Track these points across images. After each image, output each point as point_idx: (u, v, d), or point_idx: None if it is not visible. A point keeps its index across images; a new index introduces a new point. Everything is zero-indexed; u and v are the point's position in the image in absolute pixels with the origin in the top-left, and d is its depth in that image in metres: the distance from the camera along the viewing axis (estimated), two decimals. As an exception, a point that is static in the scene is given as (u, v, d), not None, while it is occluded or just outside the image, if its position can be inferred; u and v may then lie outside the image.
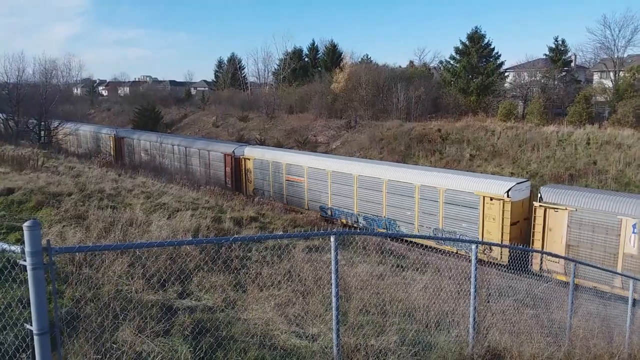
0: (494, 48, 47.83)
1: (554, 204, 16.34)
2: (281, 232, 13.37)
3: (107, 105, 78.75)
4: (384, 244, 13.08)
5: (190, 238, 8.84)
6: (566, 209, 15.95)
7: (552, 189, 16.97)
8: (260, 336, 5.19)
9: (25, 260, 2.79)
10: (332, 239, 4.37)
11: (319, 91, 50.85)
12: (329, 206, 23.28)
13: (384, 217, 20.95)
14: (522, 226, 17.89)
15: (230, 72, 71.82)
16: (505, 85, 47.20)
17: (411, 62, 63.28)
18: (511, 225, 17.42)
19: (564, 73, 44.59)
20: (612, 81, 42.50)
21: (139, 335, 4.74)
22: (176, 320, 5.27)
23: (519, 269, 14.46)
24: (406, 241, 16.28)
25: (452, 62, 49.64)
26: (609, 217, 15.05)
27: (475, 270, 5.48)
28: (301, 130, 46.08)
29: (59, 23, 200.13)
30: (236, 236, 8.15)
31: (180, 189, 18.09)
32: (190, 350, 4.60)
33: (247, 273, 7.29)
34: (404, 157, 35.81)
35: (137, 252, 6.87)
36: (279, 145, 41.46)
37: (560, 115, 38.91)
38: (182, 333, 4.99)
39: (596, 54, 48.14)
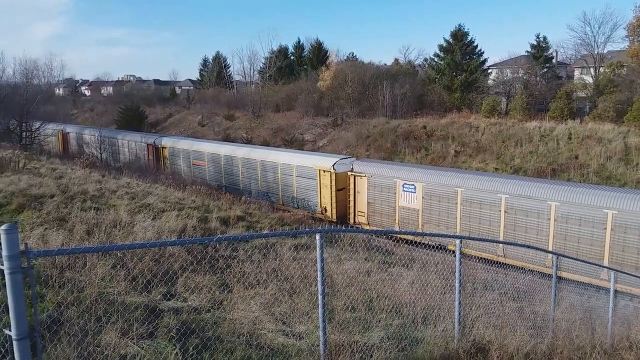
0: (477, 45, 48.36)
1: (359, 173, 21.74)
2: (267, 231, 13.34)
3: (90, 105, 77.69)
4: (371, 241, 13.13)
5: (175, 239, 8.77)
6: (366, 176, 21.44)
7: (359, 162, 22.73)
8: (247, 336, 5.17)
9: (2, 265, 2.74)
10: (317, 237, 4.37)
11: (305, 89, 50.82)
12: (224, 183, 27.93)
13: (260, 190, 26.01)
14: (347, 194, 22.84)
15: (216, 70, 71.33)
16: (489, 82, 47.72)
17: (396, 59, 63.55)
18: (337, 190, 22.50)
19: (545, 69, 45.20)
20: (592, 77, 43.21)
21: (123, 337, 4.69)
22: (161, 322, 5.22)
23: (342, 222, 21.73)
24: (391, 237, 16.38)
25: (436, 59, 50.02)
26: (389, 180, 20.58)
27: (460, 264, 5.52)
28: (288, 129, 46.01)
29: (39, 22, 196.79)
30: (220, 236, 8.11)
31: (165, 189, 17.93)
32: (176, 352, 4.56)
33: (233, 272, 7.26)
34: (390, 154, 35.99)
35: (119, 254, 6.80)
36: (265, 143, 41.42)
37: (543, 111, 39.46)
38: (167, 335, 4.94)
39: (577, 51, 49.06)
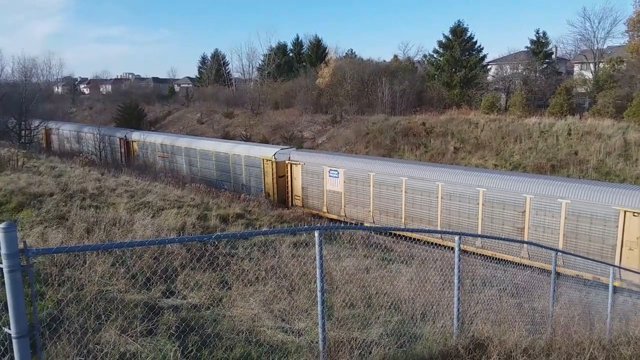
0: (476, 41, 48.24)
1: (295, 161, 24.07)
2: (267, 229, 13.36)
3: (89, 103, 77.58)
4: (370, 238, 13.15)
5: (174, 236, 8.78)
6: (300, 164, 23.86)
7: (295, 152, 25.21)
8: (246, 333, 5.19)
9: (2, 263, 2.75)
10: (316, 234, 4.38)
11: (304, 86, 50.73)
12: (185, 173, 30.12)
13: (215, 179, 28.27)
14: (285, 181, 24.91)
15: (214, 68, 71.20)
16: (488, 78, 47.64)
17: (395, 56, 63.35)
18: (278, 177, 24.87)
19: (545, 65, 45.15)
20: (592, 72, 43.16)
21: (123, 335, 4.70)
22: (161, 320, 5.24)
23: (283, 205, 23.87)
24: (390, 233, 16.40)
25: (435, 55, 49.93)
26: (319, 167, 23.05)
27: (459, 261, 5.53)
28: (287, 126, 45.97)
29: (38, 20, 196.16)
30: (219, 233, 8.12)
31: (164, 187, 17.94)
32: (175, 349, 4.58)
33: (232, 270, 7.27)
34: (390, 151, 35.97)
35: (118, 252, 6.81)
36: (264, 141, 41.43)
37: (542, 106, 39.41)
38: (167, 332, 4.96)
39: (576, 46, 49.01)
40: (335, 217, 22.58)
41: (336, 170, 22.26)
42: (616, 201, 14.63)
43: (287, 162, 24.42)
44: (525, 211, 16.61)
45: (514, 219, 16.90)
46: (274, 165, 24.86)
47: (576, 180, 21.22)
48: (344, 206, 22.13)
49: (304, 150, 29.01)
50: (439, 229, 18.75)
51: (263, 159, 25.45)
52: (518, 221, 16.82)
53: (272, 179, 25.05)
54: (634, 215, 14.28)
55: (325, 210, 22.91)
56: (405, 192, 19.79)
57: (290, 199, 24.59)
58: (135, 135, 35.28)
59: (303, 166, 23.72)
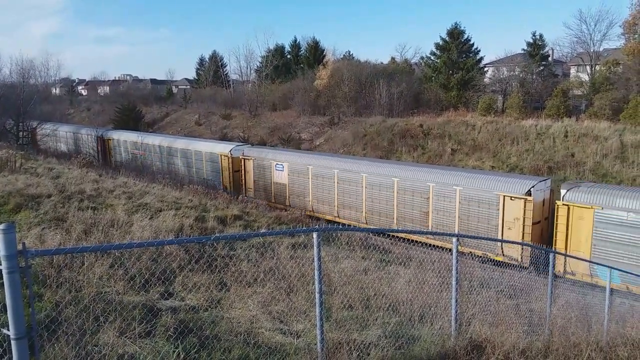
0: (473, 44, 48.39)
1: (248, 156, 26.06)
2: (265, 230, 13.35)
3: (86, 104, 77.43)
4: (368, 239, 13.16)
5: (172, 238, 8.77)
6: (252, 159, 25.76)
7: (248, 148, 27.17)
8: (244, 334, 5.19)
9: (0, 265, 2.75)
10: (314, 235, 4.38)
11: (302, 88, 50.76)
12: (153, 169, 31.91)
13: (181, 173, 29.99)
14: (240, 174, 26.84)
15: (212, 69, 71.24)
16: (485, 80, 47.76)
17: (393, 58, 63.47)
18: (234, 172, 26.88)
19: (541, 67, 45.28)
20: (588, 75, 43.31)
21: (121, 337, 4.70)
22: (159, 321, 5.23)
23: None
24: (389, 235, 16.43)
25: (432, 57, 50.03)
26: (267, 162, 24.96)
27: (457, 262, 5.55)
28: (285, 128, 45.98)
29: (35, 21, 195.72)
30: (218, 235, 8.12)
31: (162, 189, 17.91)
32: (173, 351, 4.57)
33: (230, 271, 7.27)
34: (387, 153, 36.01)
35: (116, 253, 6.80)
36: (262, 142, 41.45)
37: (539, 109, 39.53)
38: (165, 334, 4.95)
39: (573, 48, 49.14)
40: (281, 206, 24.44)
41: (282, 165, 24.32)
42: (497, 188, 17.15)
43: (241, 157, 26.49)
44: (429, 197, 18.93)
45: (421, 204, 19.23)
46: (230, 160, 26.97)
47: (468, 170, 24.45)
48: (289, 197, 24.22)
49: (256, 146, 30.83)
50: (363, 214, 20.93)
51: (221, 155, 27.57)
52: (424, 206, 19.15)
53: (229, 173, 27.26)
54: (510, 200, 16.69)
55: (273, 201, 24.95)
56: (338, 182, 21.91)
57: (244, 191, 26.44)
58: (111, 135, 37.99)
59: (254, 161, 25.77)
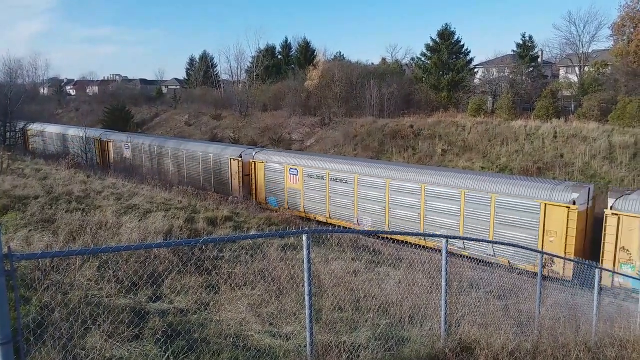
0: (463, 45, 48.61)
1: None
2: (255, 232, 13.31)
3: (75, 105, 76.66)
4: (359, 241, 13.18)
5: (161, 240, 8.71)
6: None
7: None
8: (234, 337, 5.16)
9: (-15, 269, 2.70)
10: (304, 237, 4.38)
11: (293, 89, 50.69)
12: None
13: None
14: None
15: (203, 70, 70.87)
16: (475, 81, 48.03)
17: (384, 59, 63.69)
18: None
19: (531, 69, 45.62)
20: (577, 76, 43.77)
21: (109, 340, 4.65)
22: (147, 324, 5.19)
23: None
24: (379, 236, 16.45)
25: (423, 58, 50.22)
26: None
27: (446, 264, 5.56)
28: (275, 128, 45.88)
29: (23, 20, 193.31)
30: (207, 238, 8.06)
31: (152, 190, 17.79)
32: (162, 355, 4.54)
33: (220, 274, 7.23)
34: (378, 154, 36.09)
35: (104, 256, 6.73)
36: (253, 143, 41.31)
37: (528, 110, 39.84)
38: (153, 337, 4.91)
39: (562, 50, 49.58)
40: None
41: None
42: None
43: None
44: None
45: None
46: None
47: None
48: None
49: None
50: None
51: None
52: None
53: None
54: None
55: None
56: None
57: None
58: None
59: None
